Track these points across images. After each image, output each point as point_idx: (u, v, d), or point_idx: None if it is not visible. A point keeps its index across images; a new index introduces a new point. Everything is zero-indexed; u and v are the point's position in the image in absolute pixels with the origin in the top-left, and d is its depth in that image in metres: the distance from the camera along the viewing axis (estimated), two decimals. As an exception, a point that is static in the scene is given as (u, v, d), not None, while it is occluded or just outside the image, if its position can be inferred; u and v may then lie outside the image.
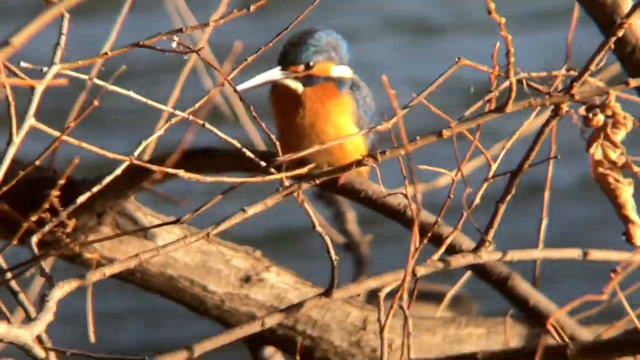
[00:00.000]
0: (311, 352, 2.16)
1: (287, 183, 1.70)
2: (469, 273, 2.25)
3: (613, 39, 1.49)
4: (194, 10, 2.62)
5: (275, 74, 1.90)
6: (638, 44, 1.73)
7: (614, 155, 1.58)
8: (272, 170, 1.71)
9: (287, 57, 1.89)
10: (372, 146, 1.95)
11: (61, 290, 1.55)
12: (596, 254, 1.61)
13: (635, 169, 1.59)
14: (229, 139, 1.71)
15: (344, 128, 1.90)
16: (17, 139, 1.55)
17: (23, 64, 1.62)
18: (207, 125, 1.71)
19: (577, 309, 2.02)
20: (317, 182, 1.72)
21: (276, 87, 1.93)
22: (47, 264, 1.52)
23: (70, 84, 1.52)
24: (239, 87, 1.80)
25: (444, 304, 2.40)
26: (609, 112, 1.56)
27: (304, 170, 1.75)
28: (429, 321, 2.18)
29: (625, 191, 1.59)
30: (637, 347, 1.58)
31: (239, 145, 1.72)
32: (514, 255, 1.64)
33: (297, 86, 1.91)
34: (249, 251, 2.16)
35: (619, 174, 1.59)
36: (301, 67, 1.90)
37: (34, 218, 1.55)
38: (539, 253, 1.68)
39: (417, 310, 2.47)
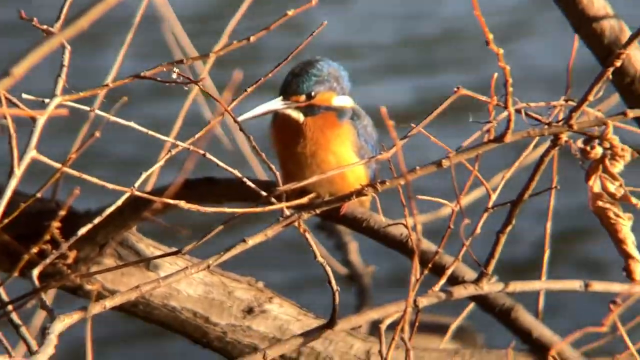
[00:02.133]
0: (315, 383, 2.14)
1: (288, 213, 1.69)
2: (472, 304, 2.24)
3: (611, 69, 1.49)
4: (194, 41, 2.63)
5: (276, 104, 1.90)
6: (637, 75, 1.73)
7: (612, 187, 1.57)
8: (273, 200, 1.71)
9: (289, 87, 1.89)
10: (373, 176, 1.94)
11: (62, 323, 1.54)
12: (597, 286, 1.59)
13: (634, 201, 1.57)
14: (230, 169, 1.70)
15: (345, 157, 1.90)
16: (18, 171, 1.55)
17: (24, 96, 1.62)
18: (208, 155, 1.71)
19: (586, 340, 2.00)
20: (319, 211, 1.71)
21: (277, 117, 1.92)
22: (49, 297, 1.52)
23: (71, 114, 1.53)
24: (240, 118, 1.80)
25: (448, 336, 2.38)
26: (607, 144, 1.55)
27: (305, 200, 1.74)
28: (433, 353, 2.17)
29: (625, 226, 1.57)
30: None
31: (239, 174, 1.72)
32: (516, 286, 1.63)
33: (299, 116, 1.90)
34: (251, 282, 2.15)
35: (618, 208, 1.57)
36: (303, 97, 1.89)
37: (35, 250, 1.55)
38: (540, 284, 1.67)
39: (422, 342, 2.46)
